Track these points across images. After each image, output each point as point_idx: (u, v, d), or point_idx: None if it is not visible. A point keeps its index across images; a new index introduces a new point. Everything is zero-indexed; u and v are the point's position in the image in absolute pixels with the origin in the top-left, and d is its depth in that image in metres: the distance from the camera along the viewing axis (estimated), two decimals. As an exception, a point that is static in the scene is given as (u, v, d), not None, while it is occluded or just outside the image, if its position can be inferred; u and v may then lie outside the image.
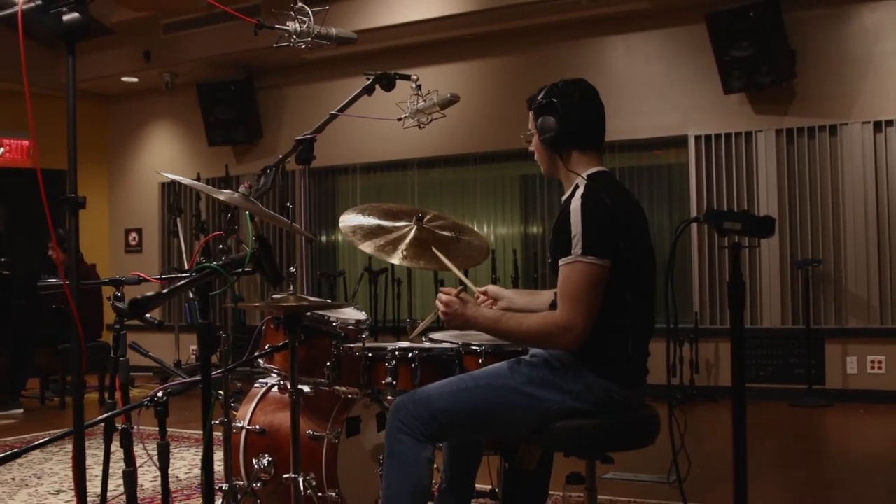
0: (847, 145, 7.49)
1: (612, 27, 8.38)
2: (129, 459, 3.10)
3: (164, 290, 1.87)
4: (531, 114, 2.82)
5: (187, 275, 2.24)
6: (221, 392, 3.33)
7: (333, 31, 2.99)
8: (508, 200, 9.13)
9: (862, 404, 7.19)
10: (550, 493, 3.40)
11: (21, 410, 7.43)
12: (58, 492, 4.54)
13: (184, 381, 2.88)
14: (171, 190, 10.43)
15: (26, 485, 4.70)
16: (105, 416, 2.79)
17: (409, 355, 2.93)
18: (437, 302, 2.75)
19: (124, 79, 10.24)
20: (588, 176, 2.67)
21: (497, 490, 3.52)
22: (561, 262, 2.56)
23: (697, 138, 7.95)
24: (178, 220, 9.42)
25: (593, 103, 2.77)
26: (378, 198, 9.38)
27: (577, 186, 2.67)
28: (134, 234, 10.90)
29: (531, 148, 2.86)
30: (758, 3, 7.31)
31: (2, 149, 10.61)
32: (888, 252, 7.35)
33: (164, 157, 10.74)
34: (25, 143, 10.68)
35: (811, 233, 7.59)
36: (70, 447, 5.63)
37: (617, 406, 2.66)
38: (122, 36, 9.55)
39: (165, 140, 10.83)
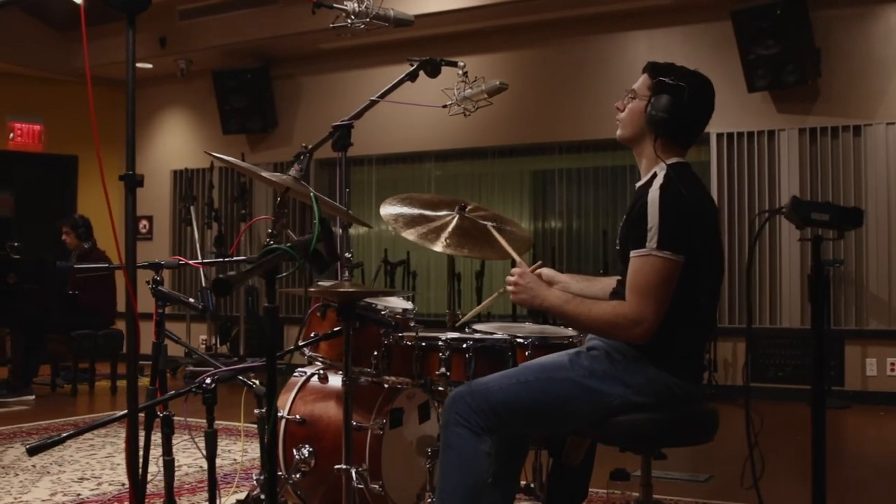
0: (871, 146, 7.44)
1: (635, 22, 8.32)
2: (169, 447, 3.04)
3: (245, 270, 1.81)
4: (647, 78, 2.71)
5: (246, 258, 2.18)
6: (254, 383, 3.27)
7: (391, 12, 2.91)
8: (526, 195, 9.09)
9: (881, 406, 7.14)
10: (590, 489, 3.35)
11: (33, 397, 7.35)
12: (81, 479, 4.47)
13: (247, 365, 2.81)
14: (183, 178, 10.35)
15: (48, 472, 4.63)
16: (155, 400, 2.72)
17: (464, 345, 2.87)
18: (509, 277, 2.70)
19: (139, 65, 10.13)
20: (669, 165, 2.60)
21: (532, 485, 3.46)
22: (633, 253, 2.50)
23: (719, 136, 7.89)
24: (192, 208, 9.35)
25: (709, 107, 2.73)
26: (394, 189, 9.31)
27: (654, 175, 2.61)
28: (144, 222, 10.82)
29: (623, 107, 2.75)
30: (784, 1, 7.25)
31: (12, 133, 10.54)
32: (910, 254, 7.32)
33: (178, 144, 10.67)
34: (37, 127, 10.62)
35: (832, 233, 7.51)
36: (88, 436, 5.57)
37: (678, 400, 2.60)
38: (138, 21, 9.36)
39: (179, 127, 10.75)
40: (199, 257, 9.10)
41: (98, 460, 4.92)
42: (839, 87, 7.54)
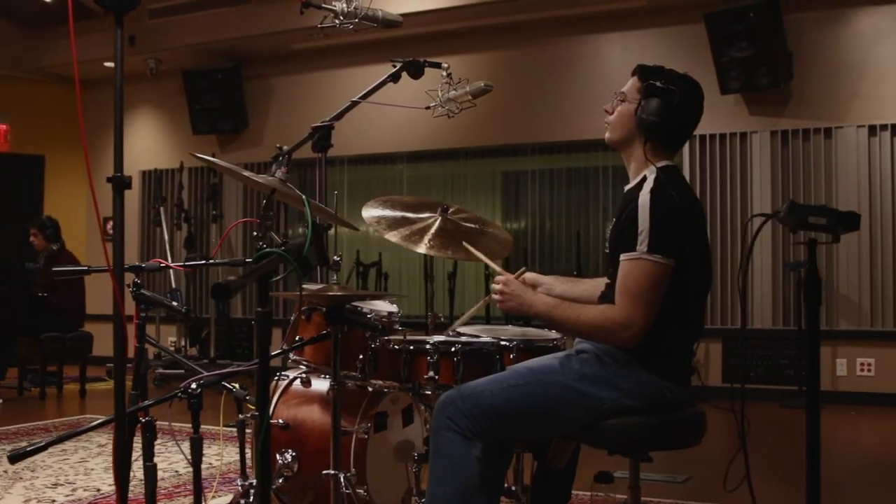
0: (841, 148, 7.52)
1: (609, 24, 8.34)
2: (150, 453, 2.98)
3: (244, 275, 1.77)
4: (636, 81, 2.70)
5: (217, 261, 2.14)
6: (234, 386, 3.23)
7: (380, 13, 2.88)
8: (498, 196, 9.10)
9: (851, 406, 7.21)
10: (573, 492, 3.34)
11: (0, 401, 7.22)
12: (55, 485, 4.39)
13: (235, 370, 2.77)
14: (152, 178, 10.22)
15: (20, 478, 4.54)
16: (142, 405, 2.67)
17: (452, 349, 2.84)
18: (494, 284, 2.68)
19: (107, 64, 9.99)
20: (659, 168, 2.60)
21: (514, 488, 3.45)
22: (623, 256, 2.49)
23: (692, 138, 7.93)
24: (162, 209, 9.24)
25: (699, 111, 2.72)
26: (366, 190, 9.28)
27: (644, 178, 2.60)
28: (112, 223, 10.65)
29: (612, 109, 2.73)
30: (758, 3, 7.31)
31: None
32: (879, 255, 7.40)
33: (147, 144, 10.54)
34: (2, 126, 10.44)
35: (803, 235, 7.58)
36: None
37: (668, 403, 2.60)
38: (106, 19, 9.33)
39: (149, 127, 10.62)
40: (170, 259, 9.02)
41: (71, 465, 4.84)
42: (811, 89, 7.61)
